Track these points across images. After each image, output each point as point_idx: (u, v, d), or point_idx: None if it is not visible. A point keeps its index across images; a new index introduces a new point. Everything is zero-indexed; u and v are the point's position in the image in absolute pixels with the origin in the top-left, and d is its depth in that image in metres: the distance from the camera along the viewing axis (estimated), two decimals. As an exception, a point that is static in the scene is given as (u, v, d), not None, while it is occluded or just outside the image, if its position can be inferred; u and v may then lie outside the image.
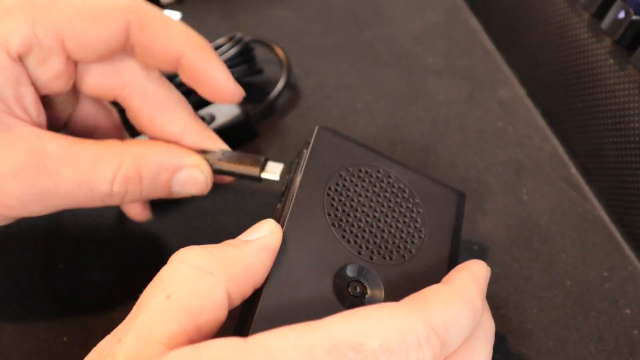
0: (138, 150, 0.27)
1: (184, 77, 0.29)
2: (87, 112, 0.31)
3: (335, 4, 0.49)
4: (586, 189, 0.37)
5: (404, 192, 0.28)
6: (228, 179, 0.32)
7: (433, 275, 0.26)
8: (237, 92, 0.30)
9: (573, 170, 0.38)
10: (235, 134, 0.36)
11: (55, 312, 0.31)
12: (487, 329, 0.24)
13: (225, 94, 0.29)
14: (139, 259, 0.33)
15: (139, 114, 0.29)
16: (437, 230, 0.28)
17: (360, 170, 0.28)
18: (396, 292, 0.25)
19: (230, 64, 0.38)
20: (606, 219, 0.35)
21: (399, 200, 0.28)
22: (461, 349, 0.22)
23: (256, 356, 0.18)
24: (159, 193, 0.28)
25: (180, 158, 0.28)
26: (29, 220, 0.34)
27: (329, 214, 0.26)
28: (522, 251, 0.33)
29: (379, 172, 0.28)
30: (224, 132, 0.34)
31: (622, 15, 0.33)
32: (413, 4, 0.49)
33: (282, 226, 0.24)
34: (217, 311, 0.21)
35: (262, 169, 0.30)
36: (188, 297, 0.20)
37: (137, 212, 0.33)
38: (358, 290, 0.25)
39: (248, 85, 0.38)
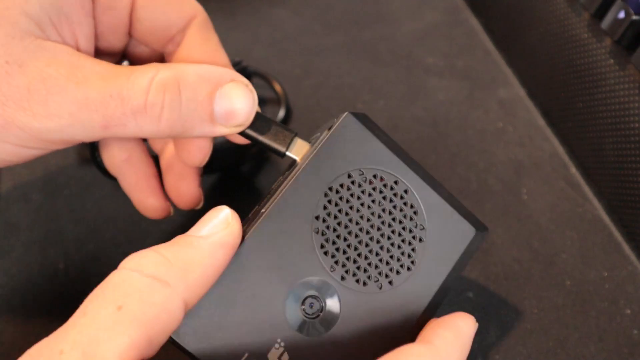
0: (177, 64, 0.25)
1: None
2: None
3: (335, 4, 0.49)
4: (586, 189, 0.37)
5: (415, 214, 0.24)
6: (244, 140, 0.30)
7: (403, 316, 0.23)
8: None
9: (573, 170, 0.38)
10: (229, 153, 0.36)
11: (55, 312, 0.31)
12: None
13: None
14: (139, 259, 0.33)
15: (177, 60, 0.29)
16: (432, 268, 0.24)
17: (374, 176, 0.24)
18: (352, 323, 0.23)
19: None
20: (606, 219, 0.35)
21: (403, 222, 0.24)
22: None
23: None
24: (200, 115, 0.25)
25: (222, 71, 0.25)
26: (29, 219, 0.34)
27: (317, 217, 0.23)
28: (522, 251, 0.33)
29: (395, 183, 0.24)
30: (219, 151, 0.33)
31: (622, 15, 0.33)
32: (413, 4, 0.49)
33: (261, 217, 0.23)
34: (171, 321, 0.20)
35: (289, 146, 0.27)
36: (141, 309, 0.19)
37: (155, 205, 0.31)
38: (313, 307, 0.23)
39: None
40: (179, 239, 0.22)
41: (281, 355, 0.22)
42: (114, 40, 0.28)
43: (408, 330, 0.23)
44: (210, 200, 0.36)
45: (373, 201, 0.24)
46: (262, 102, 0.41)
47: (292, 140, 0.27)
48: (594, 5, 0.35)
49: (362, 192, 0.24)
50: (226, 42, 0.29)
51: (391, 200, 0.24)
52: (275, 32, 0.46)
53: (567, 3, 0.38)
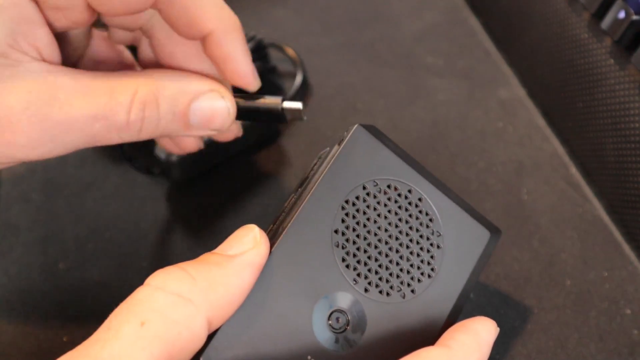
0: (154, 75, 0.25)
1: (207, 52, 0.27)
2: (99, 50, 0.30)
3: (335, 4, 0.49)
4: (586, 189, 0.37)
5: (430, 221, 0.25)
6: (235, 130, 0.30)
7: (428, 323, 0.23)
8: (254, 82, 0.28)
9: (573, 170, 0.38)
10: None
11: (55, 312, 0.31)
12: None
13: (244, 82, 0.28)
14: (139, 259, 0.33)
15: (159, 47, 0.28)
16: (452, 273, 0.25)
17: (388, 186, 0.24)
18: (380, 334, 0.23)
19: None
20: (606, 219, 0.35)
21: (420, 230, 0.25)
22: None
23: None
24: (176, 125, 0.26)
25: (199, 83, 0.26)
26: (29, 219, 0.34)
27: (336, 231, 0.23)
28: (522, 251, 0.33)
29: (409, 192, 0.25)
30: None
31: (622, 15, 0.33)
32: (413, 4, 0.49)
33: (280, 235, 0.23)
34: (194, 340, 0.20)
35: (282, 102, 0.27)
36: (164, 326, 0.19)
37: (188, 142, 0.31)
38: (339, 322, 0.23)
39: (263, 82, 0.39)
40: (205, 257, 0.21)
41: None
42: (74, 28, 0.27)
43: (434, 336, 0.23)
44: (205, 219, 0.36)
45: (389, 211, 0.24)
46: (278, 72, 0.42)
47: (282, 100, 0.27)
48: (594, 5, 0.35)
49: (378, 203, 0.24)
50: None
51: (407, 209, 0.25)
52: (275, 32, 0.46)
53: (567, 3, 0.38)
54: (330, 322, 0.23)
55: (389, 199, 0.24)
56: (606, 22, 0.34)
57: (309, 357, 0.22)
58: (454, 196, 0.26)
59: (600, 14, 0.35)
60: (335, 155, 0.24)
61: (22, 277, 0.32)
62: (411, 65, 0.44)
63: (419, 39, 0.46)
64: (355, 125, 0.25)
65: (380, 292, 0.23)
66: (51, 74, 0.23)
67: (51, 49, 0.25)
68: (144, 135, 0.25)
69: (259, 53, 0.39)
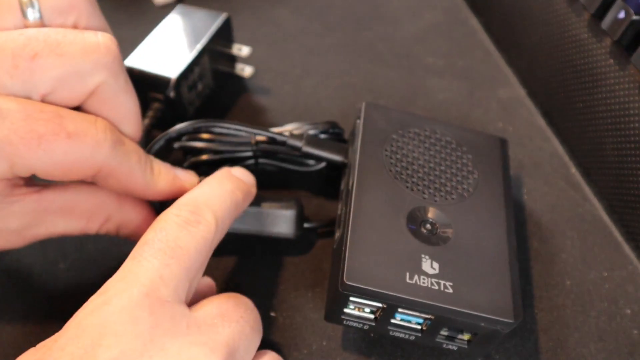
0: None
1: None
2: None
3: (335, 4, 0.49)
4: (586, 189, 0.37)
5: (452, 143, 0.32)
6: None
7: (493, 205, 0.30)
8: None
9: (573, 170, 0.38)
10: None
11: (55, 312, 0.31)
12: None
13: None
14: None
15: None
16: (488, 170, 0.31)
17: (409, 132, 0.32)
18: (464, 224, 0.28)
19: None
20: (606, 219, 0.35)
21: (448, 150, 0.31)
22: None
23: None
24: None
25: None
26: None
27: (390, 170, 0.30)
28: (522, 251, 0.33)
29: (426, 130, 0.32)
30: None
31: (622, 15, 0.33)
32: (413, 4, 0.49)
33: (352, 186, 0.28)
34: None
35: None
36: None
37: None
38: (429, 227, 0.28)
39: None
40: None
41: (432, 264, 0.26)
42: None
43: (503, 220, 0.29)
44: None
45: (419, 146, 0.31)
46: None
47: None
48: (594, 5, 0.35)
49: (408, 144, 0.31)
50: (226, 42, 0.29)
51: (430, 142, 0.32)
52: (275, 32, 0.46)
53: (567, 3, 0.38)
54: (422, 229, 0.28)
55: (414, 139, 0.31)
56: (606, 22, 0.34)
57: (422, 255, 0.27)
58: (458, 125, 0.33)
59: (600, 14, 0.35)
60: (361, 127, 0.31)
61: (22, 277, 0.32)
62: (411, 65, 0.44)
63: (419, 39, 0.46)
64: (364, 103, 0.32)
65: (446, 198, 0.29)
66: None
67: None
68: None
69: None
